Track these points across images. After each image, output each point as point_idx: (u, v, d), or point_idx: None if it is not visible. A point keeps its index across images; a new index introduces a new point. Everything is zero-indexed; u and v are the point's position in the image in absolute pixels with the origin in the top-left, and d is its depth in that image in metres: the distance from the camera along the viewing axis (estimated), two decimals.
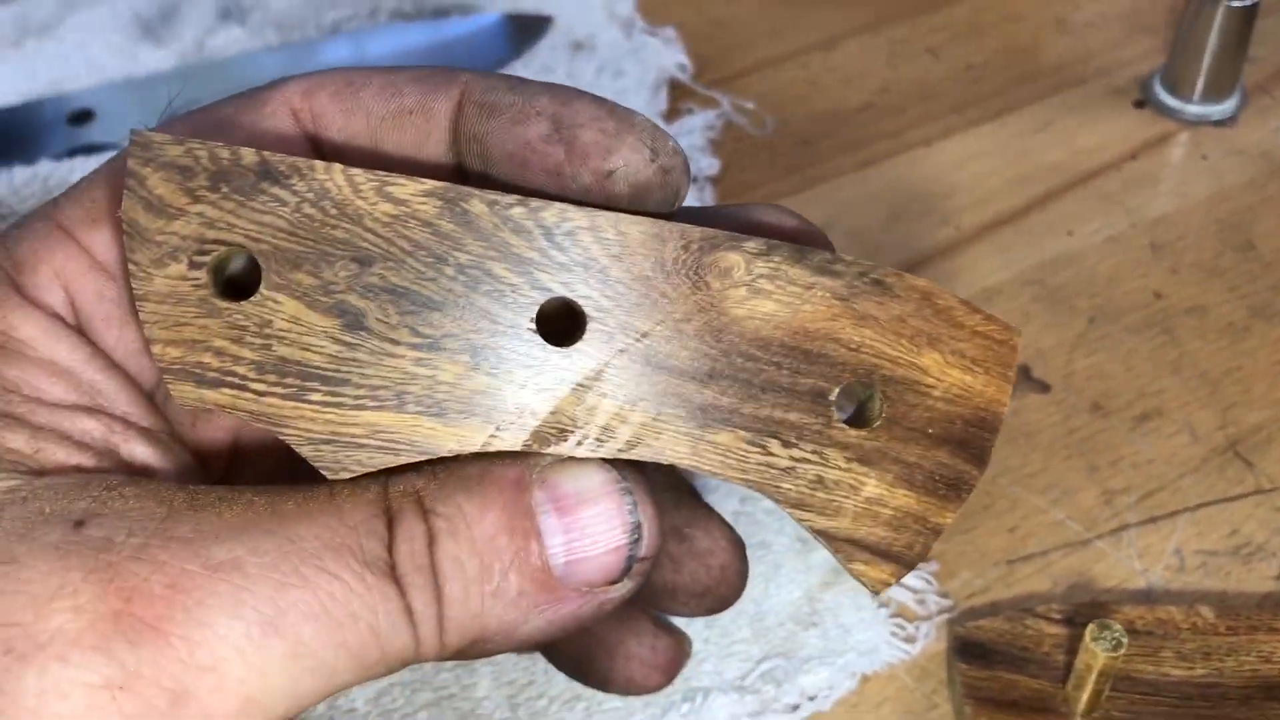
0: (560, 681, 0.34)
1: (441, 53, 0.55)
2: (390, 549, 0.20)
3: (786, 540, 0.36)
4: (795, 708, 0.33)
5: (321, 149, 0.24)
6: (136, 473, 0.22)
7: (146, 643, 0.19)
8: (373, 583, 0.20)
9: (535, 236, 0.21)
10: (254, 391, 0.21)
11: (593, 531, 0.22)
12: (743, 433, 0.22)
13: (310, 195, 0.21)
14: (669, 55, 0.52)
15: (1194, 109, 0.48)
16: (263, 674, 0.19)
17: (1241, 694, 0.32)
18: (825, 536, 0.23)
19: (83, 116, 0.51)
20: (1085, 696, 0.31)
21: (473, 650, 0.21)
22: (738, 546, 0.28)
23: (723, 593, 0.28)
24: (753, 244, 0.22)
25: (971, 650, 0.33)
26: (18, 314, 0.22)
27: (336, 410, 0.21)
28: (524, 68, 0.52)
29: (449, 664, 0.34)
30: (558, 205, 0.22)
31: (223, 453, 0.25)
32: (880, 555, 0.23)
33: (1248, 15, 0.46)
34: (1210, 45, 0.47)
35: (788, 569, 0.36)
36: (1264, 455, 0.38)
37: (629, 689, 0.29)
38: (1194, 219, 0.45)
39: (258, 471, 0.25)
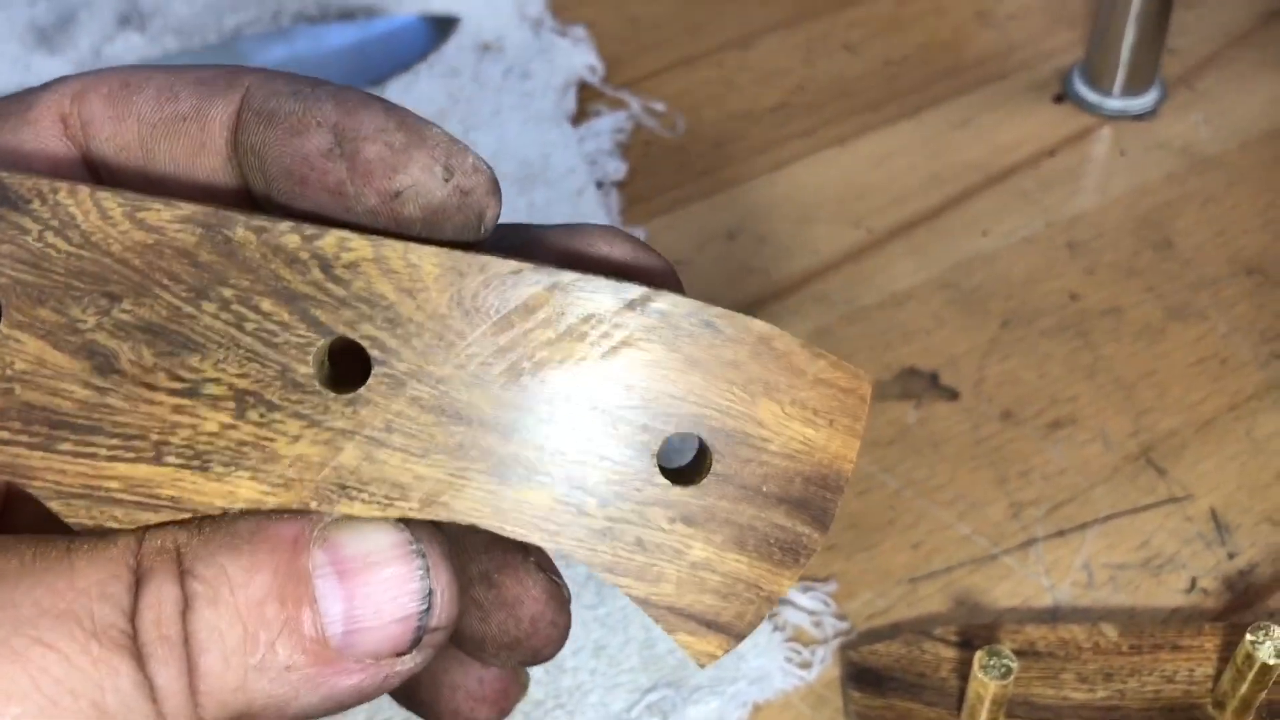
0: None
1: (353, 55, 0.53)
2: (133, 615, 0.18)
3: None
4: None
5: (94, 164, 0.22)
6: None
7: None
8: (99, 655, 0.18)
9: (310, 268, 0.20)
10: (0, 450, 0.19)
11: (378, 599, 0.19)
12: (554, 490, 0.20)
13: (55, 223, 0.19)
14: (578, 56, 0.50)
15: (1114, 103, 0.47)
16: None
17: (1143, 716, 0.31)
18: (645, 605, 0.21)
19: None
20: None
21: None
22: (553, 596, 0.25)
23: (534, 645, 0.26)
24: (565, 277, 0.20)
25: (865, 677, 0.32)
26: None
27: (89, 461, 0.19)
28: (429, 70, 0.50)
29: None
30: (337, 233, 0.20)
31: None
32: (707, 625, 0.21)
33: (1163, 4, 0.45)
34: (1128, 36, 0.45)
35: None
36: (1176, 462, 0.37)
37: None
38: (1112, 216, 0.44)
39: (38, 510, 0.23)
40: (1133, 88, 0.47)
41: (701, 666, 0.21)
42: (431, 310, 0.20)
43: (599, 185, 0.45)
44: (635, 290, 0.20)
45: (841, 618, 0.34)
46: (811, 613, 0.34)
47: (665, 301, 0.20)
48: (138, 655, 0.18)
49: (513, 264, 0.20)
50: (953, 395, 0.39)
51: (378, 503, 0.20)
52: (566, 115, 0.48)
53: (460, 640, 0.26)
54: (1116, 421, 0.38)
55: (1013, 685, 0.29)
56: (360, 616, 0.19)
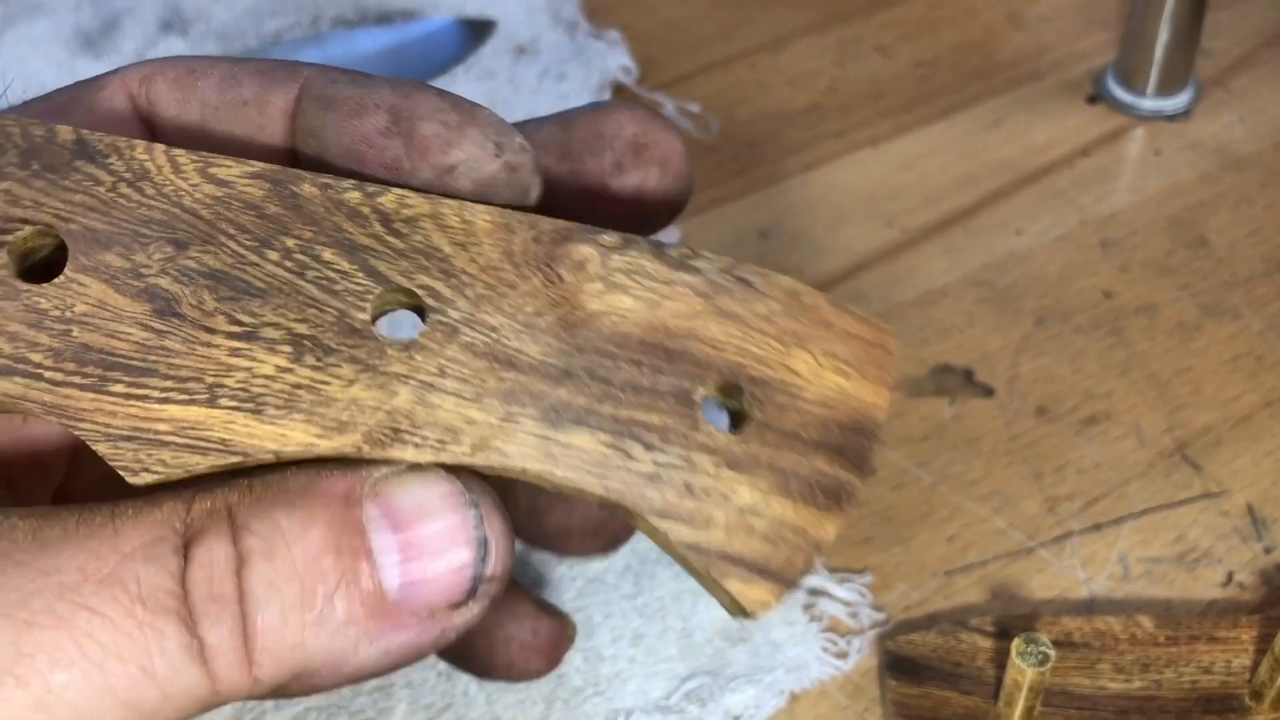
0: (480, 705, 0.32)
1: (389, 59, 0.54)
2: (181, 576, 0.19)
3: None
4: None
5: (155, 133, 0.23)
6: None
7: None
8: (144, 619, 0.18)
9: (371, 222, 0.20)
10: (49, 381, 0.20)
11: (433, 550, 0.20)
12: (602, 435, 0.20)
13: (128, 175, 0.20)
14: (613, 58, 0.51)
15: (1147, 103, 0.47)
16: None
17: (1180, 707, 0.31)
18: (696, 551, 0.21)
19: None
20: (1016, 713, 0.30)
21: (295, 686, 0.20)
22: None
23: (614, 529, 0.26)
24: (609, 237, 0.21)
25: (902, 666, 0.32)
26: None
27: (140, 404, 0.20)
28: (466, 72, 0.51)
29: (365, 687, 0.33)
30: (397, 190, 0.21)
31: (61, 451, 0.24)
32: (758, 572, 0.21)
33: (1197, 5, 0.45)
34: (1161, 37, 0.46)
35: None
36: (1212, 458, 0.37)
37: (510, 674, 0.27)
38: (1146, 215, 0.44)
39: (104, 472, 0.24)
40: (1166, 88, 0.47)
41: (754, 616, 0.21)
42: (484, 263, 0.20)
43: None
44: (675, 249, 0.21)
45: (878, 609, 0.34)
46: (848, 604, 0.34)
47: (702, 259, 0.21)
48: (187, 617, 0.18)
49: (561, 223, 0.21)
50: (987, 392, 0.39)
51: (430, 446, 0.20)
52: None
53: (542, 534, 0.26)
54: (1151, 418, 0.38)
55: (1050, 674, 0.29)
56: (416, 568, 0.19)
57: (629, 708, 0.32)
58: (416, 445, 0.20)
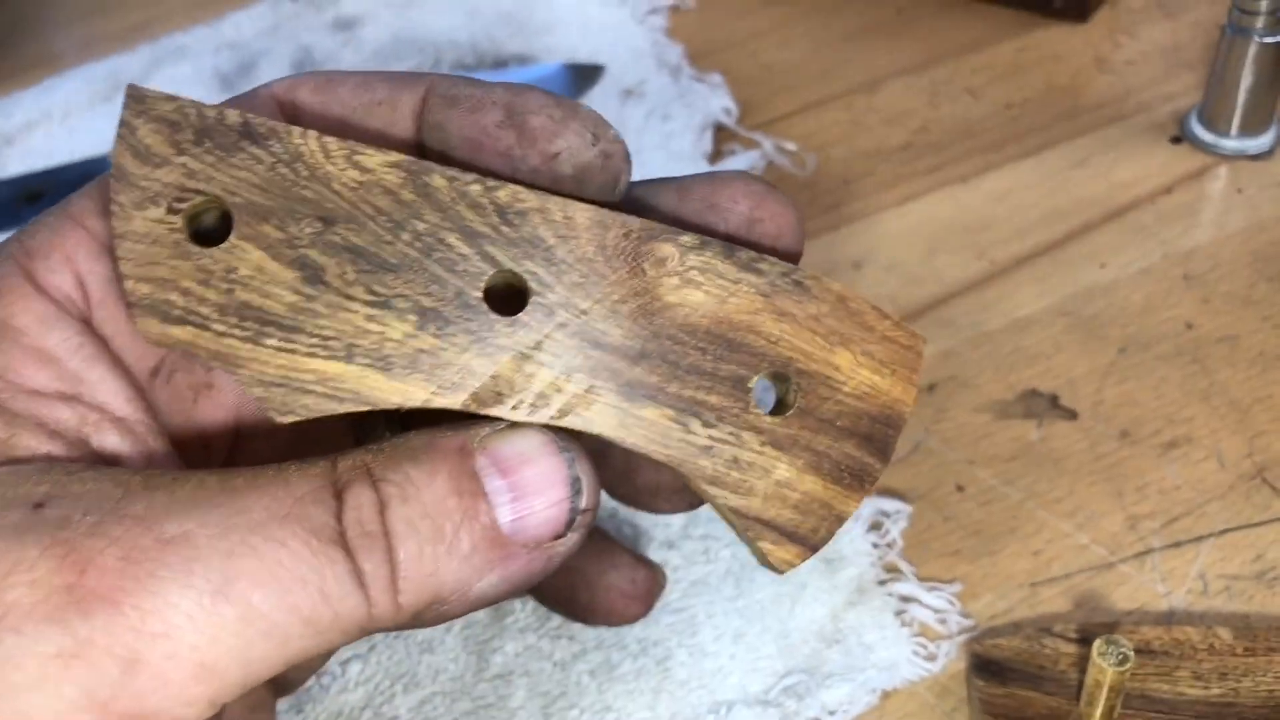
0: (591, 693, 0.35)
1: None
2: (339, 516, 0.22)
3: (813, 561, 0.37)
4: None
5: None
6: (105, 461, 0.24)
7: (99, 613, 0.20)
8: (318, 548, 0.21)
9: (489, 213, 0.24)
10: (214, 331, 0.23)
11: (535, 489, 0.23)
12: (667, 410, 0.24)
13: (285, 156, 0.23)
14: (715, 100, 0.54)
15: (1230, 143, 0.49)
16: (215, 639, 0.21)
17: (1257, 714, 0.32)
18: (737, 514, 0.24)
19: None
20: (1098, 713, 0.32)
21: (430, 613, 0.23)
22: None
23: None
24: (687, 238, 0.24)
25: (989, 668, 0.34)
26: (20, 302, 0.24)
27: (289, 356, 0.23)
28: None
29: (487, 674, 0.36)
30: (512, 186, 0.24)
31: (225, 433, 0.27)
32: (787, 536, 0.24)
33: (1279, 51, 0.47)
34: (1244, 81, 0.47)
35: (812, 589, 0.37)
36: None
37: (610, 619, 0.30)
38: (1228, 250, 0.46)
39: (260, 453, 0.27)
40: (1249, 129, 0.49)
41: (780, 573, 0.25)
42: (580, 254, 0.24)
43: None
44: (744, 253, 0.25)
45: (966, 616, 0.36)
46: (937, 611, 0.36)
47: (766, 263, 0.25)
48: (347, 549, 0.22)
49: (648, 223, 0.24)
50: (1072, 415, 0.41)
51: (525, 407, 0.24)
52: (704, 155, 0.52)
53: (635, 492, 0.29)
54: (1231, 442, 0.40)
55: (1129, 676, 0.31)
56: (524, 506, 0.23)
57: (730, 700, 0.35)
58: (514, 407, 0.24)
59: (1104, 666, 0.30)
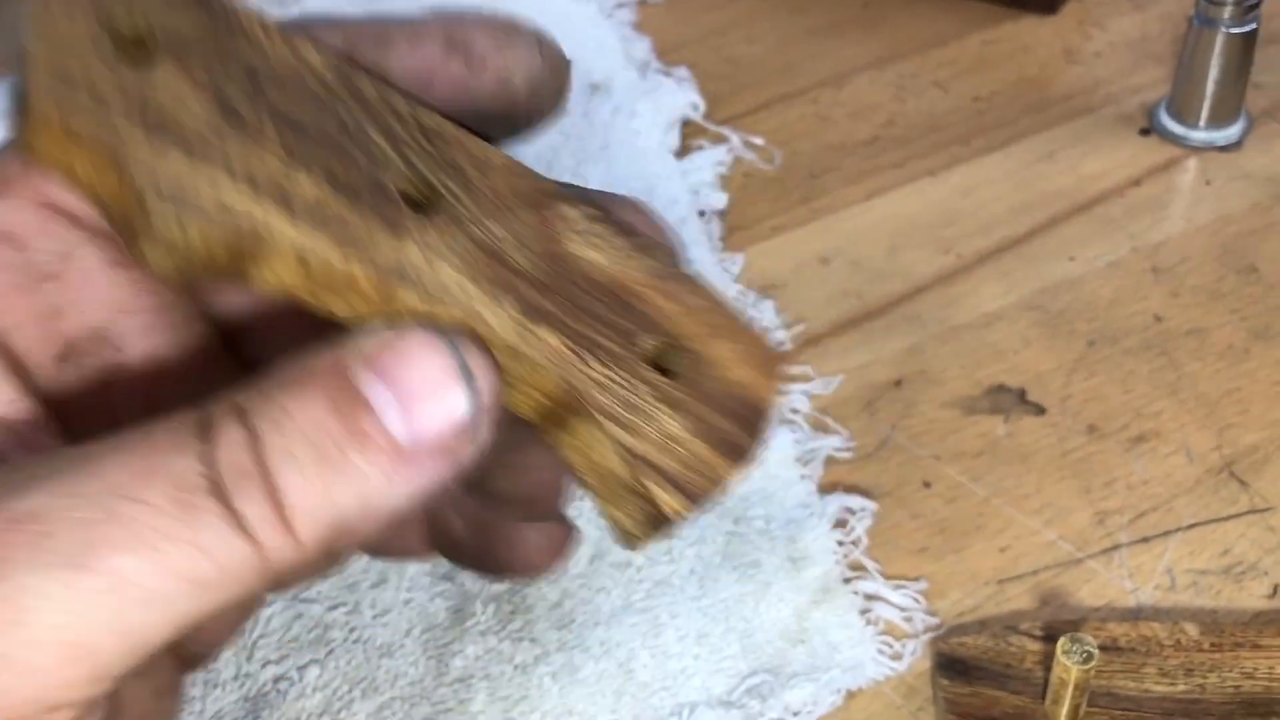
0: (553, 696, 0.35)
1: None
2: (207, 462, 0.20)
3: (777, 560, 0.37)
4: None
5: None
6: None
7: None
8: (184, 499, 0.20)
9: (411, 128, 0.24)
10: (117, 128, 0.22)
11: (423, 388, 0.21)
12: (566, 339, 0.24)
13: (224, 17, 0.23)
14: (682, 94, 0.53)
15: (1199, 135, 0.49)
16: (80, 615, 0.19)
17: (1223, 710, 0.32)
18: (627, 454, 0.24)
19: None
20: (1063, 712, 0.31)
21: (342, 543, 0.22)
22: None
23: (550, 501, 0.29)
24: (590, 209, 0.25)
25: (954, 666, 0.33)
26: None
27: (193, 169, 0.22)
28: None
29: (447, 679, 0.35)
30: (438, 116, 0.24)
31: (243, 323, 0.26)
32: (674, 485, 0.24)
33: (1246, 41, 0.46)
34: (1212, 72, 0.47)
35: (777, 587, 0.36)
36: (1259, 475, 0.39)
37: (525, 571, 0.29)
38: (1197, 243, 0.46)
39: (278, 341, 0.26)
40: (1218, 121, 0.49)
41: (669, 521, 0.24)
42: (494, 188, 0.24)
43: (701, 214, 0.48)
44: (639, 236, 0.25)
45: (931, 614, 0.36)
46: (903, 609, 0.36)
47: (659, 250, 0.25)
48: (220, 494, 0.20)
49: (556, 184, 0.25)
50: (1039, 410, 0.41)
51: (425, 296, 0.23)
52: (671, 150, 0.51)
53: (489, 502, 0.28)
54: (1200, 436, 0.40)
55: (1094, 673, 0.31)
56: (415, 409, 0.21)
57: (693, 701, 0.34)
58: (418, 294, 0.23)
59: (1069, 665, 0.30)
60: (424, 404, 0.21)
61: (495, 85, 0.24)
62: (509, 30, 0.25)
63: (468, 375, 0.22)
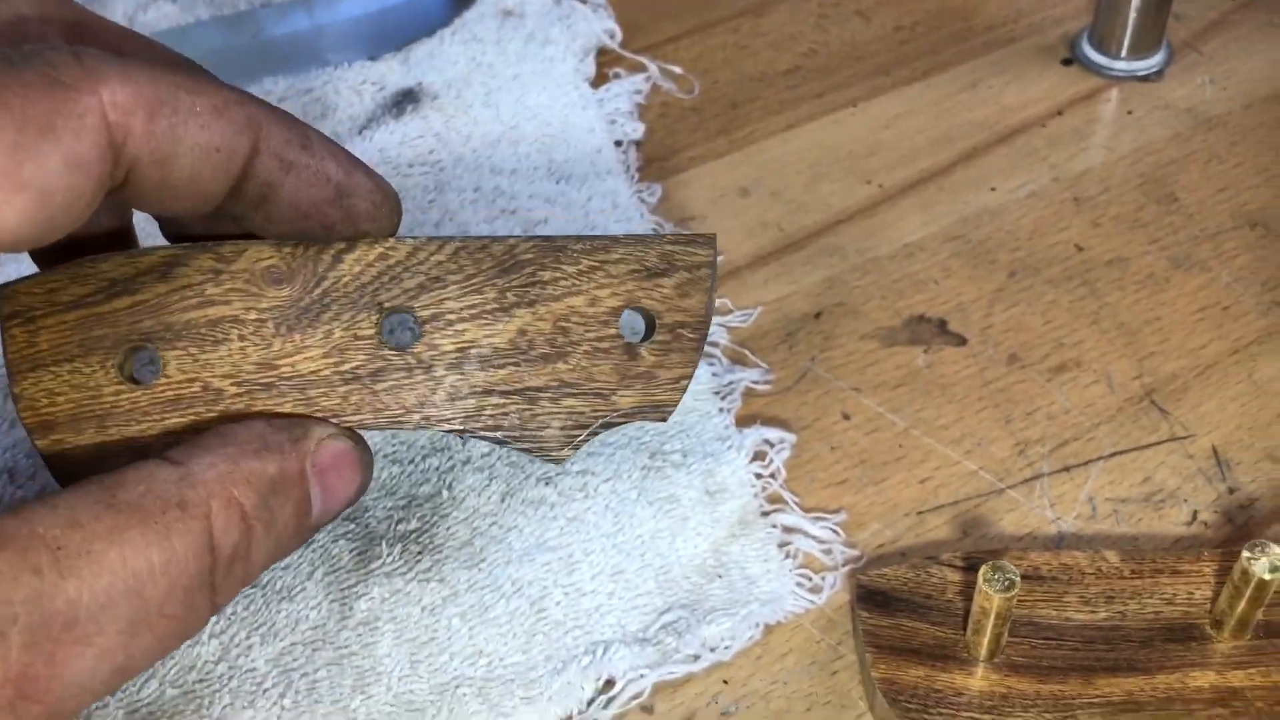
0: (462, 637, 0.33)
1: (375, 22, 0.54)
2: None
3: (695, 494, 0.36)
4: (696, 658, 0.33)
5: (120, 158, 0.26)
6: None
7: None
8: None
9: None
10: None
11: (343, 487, 0.30)
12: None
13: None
14: (598, 22, 0.51)
15: (1121, 65, 0.48)
16: None
17: (1143, 635, 0.32)
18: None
19: None
20: (985, 641, 0.31)
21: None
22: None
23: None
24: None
25: (874, 598, 0.33)
26: None
27: None
28: (452, 36, 0.51)
29: (351, 623, 0.34)
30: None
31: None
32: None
33: None
34: (1134, 1, 0.47)
35: (694, 522, 0.35)
36: (1179, 404, 0.38)
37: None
38: (1118, 173, 0.45)
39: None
40: (1139, 51, 0.48)
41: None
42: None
43: (618, 144, 0.47)
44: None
45: (851, 546, 0.35)
46: (822, 542, 0.35)
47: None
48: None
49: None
50: (960, 341, 0.40)
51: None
52: (586, 78, 0.49)
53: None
54: (1120, 365, 0.39)
55: (1016, 601, 0.30)
56: (330, 499, 0.30)
57: (608, 640, 0.33)
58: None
59: (990, 593, 0.29)
60: (337, 497, 0.30)
61: (349, 233, 0.30)
62: (386, 197, 0.30)
63: (368, 470, 0.31)
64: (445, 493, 0.36)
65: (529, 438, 0.31)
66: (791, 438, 0.38)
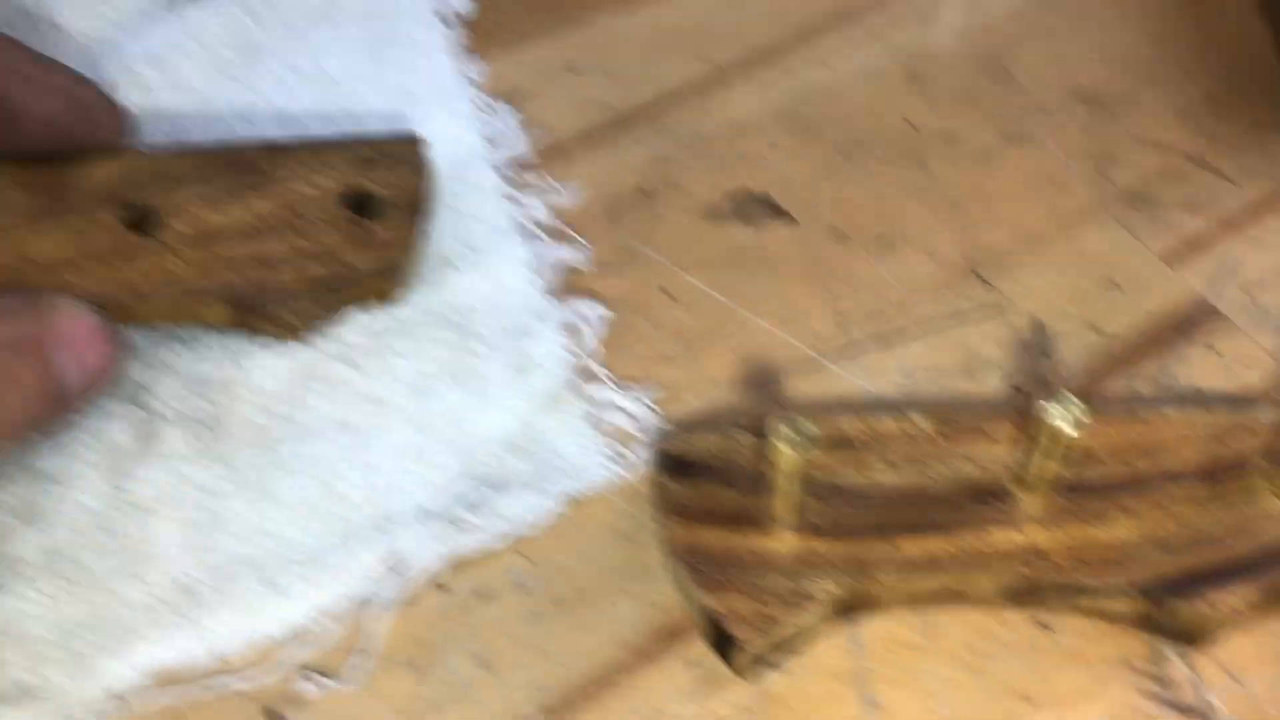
0: (248, 520, 0.31)
1: None
2: None
3: (503, 370, 0.34)
4: (492, 533, 0.31)
5: None
6: None
7: None
8: None
9: None
10: None
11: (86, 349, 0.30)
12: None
13: None
14: None
15: None
16: None
17: (947, 496, 0.31)
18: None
19: None
20: (780, 501, 0.30)
21: None
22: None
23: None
24: None
25: (675, 465, 0.31)
26: None
27: None
28: None
29: (129, 508, 0.32)
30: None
31: None
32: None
33: None
34: None
35: (502, 398, 0.34)
36: (1003, 275, 0.37)
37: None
38: (953, 50, 0.44)
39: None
40: None
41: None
42: None
43: (445, 20, 0.44)
44: None
45: (665, 420, 0.34)
46: (633, 415, 0.34)
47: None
48: None
49: None
50: (787, 218, 0.39)
51: None
52: None
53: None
54: (945, 238, 0.38)
55: (818, 465, 0.29)
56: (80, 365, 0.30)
57: (396, 513, 0.32)
58: None
59: (781, 449, 0.28)
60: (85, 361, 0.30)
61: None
62: (120, 113, 0.34)
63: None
64: (235, 373, 0.34)
65: (278, 313, 0.33)
66: (607, 313, 0.36)
